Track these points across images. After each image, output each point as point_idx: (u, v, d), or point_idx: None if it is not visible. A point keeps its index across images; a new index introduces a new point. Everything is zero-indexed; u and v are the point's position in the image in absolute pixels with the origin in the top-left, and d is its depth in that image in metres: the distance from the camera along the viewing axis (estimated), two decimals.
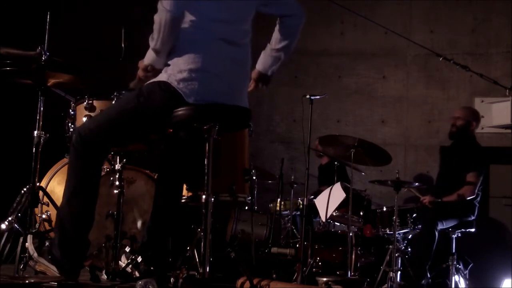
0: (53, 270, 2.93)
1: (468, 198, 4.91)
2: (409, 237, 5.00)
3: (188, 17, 2.86)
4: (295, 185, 5.73)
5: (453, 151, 5.23)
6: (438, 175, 5.42)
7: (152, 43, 2.87)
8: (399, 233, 4.82)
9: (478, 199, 5.02)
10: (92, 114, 3.45)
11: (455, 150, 5.20)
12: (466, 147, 5.11)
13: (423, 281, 4.66)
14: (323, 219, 4.83)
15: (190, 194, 3.46)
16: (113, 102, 3.38)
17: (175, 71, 2.83)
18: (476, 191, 4.93)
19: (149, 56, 2.93)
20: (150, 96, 2.87)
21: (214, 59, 2.86)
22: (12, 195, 3.42)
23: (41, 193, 3.47)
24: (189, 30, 2.86)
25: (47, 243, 3.19)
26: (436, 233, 4.72)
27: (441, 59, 3.72)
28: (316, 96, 4.63)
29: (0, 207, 3.55)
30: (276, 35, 3.17)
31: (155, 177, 3.75)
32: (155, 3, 2.86)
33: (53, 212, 3.86)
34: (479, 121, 5.28)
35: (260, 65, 3.24)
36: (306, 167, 4.51)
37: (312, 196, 5.30)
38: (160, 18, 2.80)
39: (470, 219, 4.97)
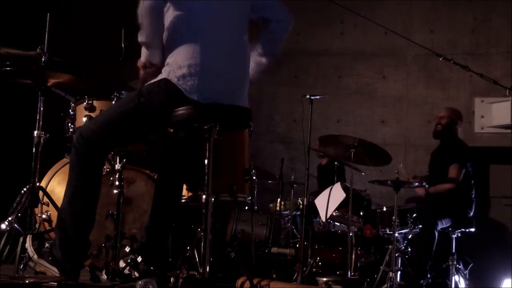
0: (53, 271, 2.93)
1: (448, 188, 4.97)
2: (409, 237, 5.01)
3: (182, 15, 2.87)
4: (295, 185, 5.73)
5: (439, 151, 5.27)
6: (429, 177, 5.41)
7: (140, 38, 2.91)
8: (399, 233, 4.82)
9: (473, 192, 5.04)
10: (92, 114, 3.44)
11: (441, 150, 5.25)
12: (449, 145, 5.18)
13: (423, 281, 4.66)
14: (323, 219, 4.83)
15: (190, 194, 3.46)
16: (113, 102, 3.37)
17: (175, 68, 2.84)
18: (458, 181, 4.95)
19: (143, 53, 2.97)
20: (150, 95, 2.88)
21: (213, 55, 2.86)
22: (12, 195, 3.42)
23: (41, 193, 3.47)
24: (184, 27, 2.87)
25: (46, 245, 3.18)
26: (436, 233, 4.73)
27: (441, 59, 3.72)
28: (316, 96, 4.64)
29: (0, 207, 3.55)
30: (261, 39, 3.17)
31: (155, 177, 3.75)
32: None
33: (53, 212, 3.86)
34: (462, 120, 5.38)
35: None
36: (306, 167, 4.51)
37: (311, 197, 5.31)
38: (140, 10, 2.86)
39: (469, 215, 4.98)
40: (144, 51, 2.96)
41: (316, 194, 5.22)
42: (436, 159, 5.27)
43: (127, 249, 3.36)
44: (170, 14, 2.91)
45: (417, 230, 4.85)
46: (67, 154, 4.05)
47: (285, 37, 3.20)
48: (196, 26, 2.86)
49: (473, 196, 5.05)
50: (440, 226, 4.79)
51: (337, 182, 4.89)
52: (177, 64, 2.84)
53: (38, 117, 3.41)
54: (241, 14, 3.01)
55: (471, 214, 5.00)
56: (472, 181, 5.08)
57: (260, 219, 5.34)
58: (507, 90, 3.51)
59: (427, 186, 5.10)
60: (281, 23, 3.15)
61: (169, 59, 2.88)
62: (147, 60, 2.95)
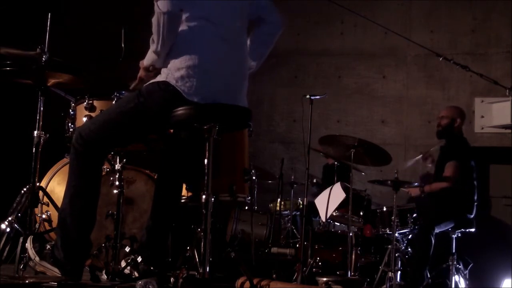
0: (53, 271, 2.93)
1: (443, 187, 4.89)
2: (409, 237, 5.00)
3: (183, 16, 2.86)
4: (295, 185, 5.73)
5: (442, 150, 5.25)
6: (434, 176, 5.41)
7: (153, 46, 2.86)
8: (399, 233, 4.81)
9: (476, 196, 5.01)
10: (92, 114, 3.45)
11: (444, 149, 5.22)
12: (450, 144, 5.13)
13: (421, 286, 4.64)
14: (323, 219, 4.83)
15: (190, 194, 3.46)
16: (113, 102, 3.37)
17: (173, 70, 2.83)
18: (454, 179, 4.86)
19: (150, 57, 2.93)
20: (150, 96, 2.88)
21: (211, 56, 2.85)
22: (12, 195, 3.42)
23: (41, 193, 3.47)
24: (185, 29, 2.86)
25: (48, 247, 3.18)
26: (432, 238, 4.65)
27: (441, 59, 3.72)
28: (316, 96, 4.64)
29: (0, 207, 3.55)
30: (250, 43, 3.14)
31: (155, 177, 3.75)
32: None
33: (53, 212, 3.86)
34: (464, 118, 5.24)
35: None
36: (306, 167, 4.51)
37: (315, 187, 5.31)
38: (157, 20, 2.79)
39: (469, 217, 4.95)
40: (150, 56, 2.92)
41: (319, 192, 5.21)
42: (439, 158, 5.24)
43: (127, 249, 3.37)
44: None
45: (416, 230, 4.84)
46: (67, 154, 4.05)
47: (273, 43, 3.20)
48: (194, 27, 2.86)
49: (475, 198, 5.00)
50: (438, 230, 4.75)
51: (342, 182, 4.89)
52: (175, 66, 2.83)
53: (38, 117, 3.40)
54: (241, 14, 3.01)
55: (471, 216, 4.96)
56: (475, 183, 5.01)
57: (260, 219, 5.34)
58: (507, 90, 3.51)
59: (423, 185, 5.07)
60: (273, 24, 3.16)
61: (168, 61, 2.87)
62: (152, 64, 2.94)
